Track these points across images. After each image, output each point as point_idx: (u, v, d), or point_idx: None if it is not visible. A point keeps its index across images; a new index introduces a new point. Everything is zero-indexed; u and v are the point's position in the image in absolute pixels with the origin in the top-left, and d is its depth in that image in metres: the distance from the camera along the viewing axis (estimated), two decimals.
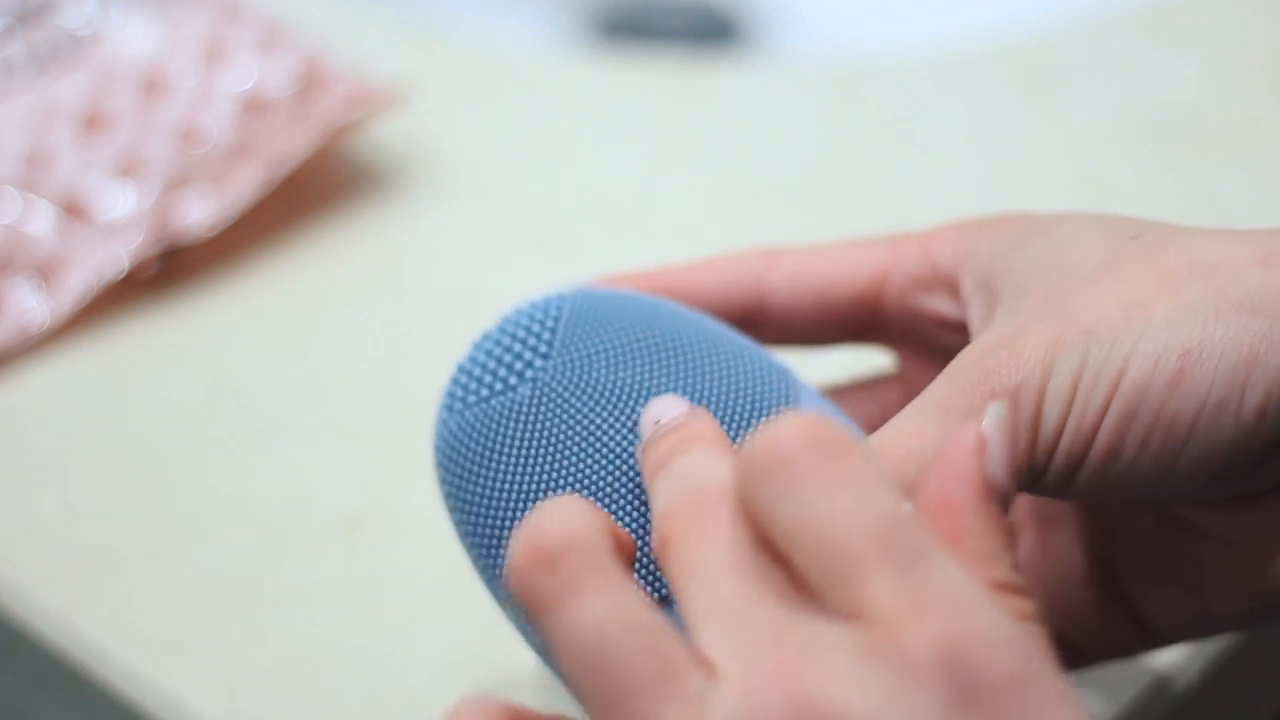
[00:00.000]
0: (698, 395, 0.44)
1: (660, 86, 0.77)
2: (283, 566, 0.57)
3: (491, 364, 0.45)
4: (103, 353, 0.65)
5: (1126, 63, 0.78)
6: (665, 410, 0.43)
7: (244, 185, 0.68)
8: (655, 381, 0.44)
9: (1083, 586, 0.46)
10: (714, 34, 0.93)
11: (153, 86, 0.70)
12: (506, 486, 0.44)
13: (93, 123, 0.69)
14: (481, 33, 0.83)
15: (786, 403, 0.45)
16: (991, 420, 0.38)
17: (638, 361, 0.45)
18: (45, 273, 0.66)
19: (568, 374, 0.44)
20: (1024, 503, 0.47)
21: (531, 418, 0.44)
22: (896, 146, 0.75)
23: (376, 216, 0.71)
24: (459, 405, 0.45)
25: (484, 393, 0.45)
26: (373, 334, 0.66)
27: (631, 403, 0.44)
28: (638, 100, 0.77)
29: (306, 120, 0.69)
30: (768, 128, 0.76)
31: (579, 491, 0.43)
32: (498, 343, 0.45)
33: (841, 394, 0.50)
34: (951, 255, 0.46)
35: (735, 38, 0.93)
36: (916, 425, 0.41)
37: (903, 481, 0.41)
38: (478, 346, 0.46)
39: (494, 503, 0.44)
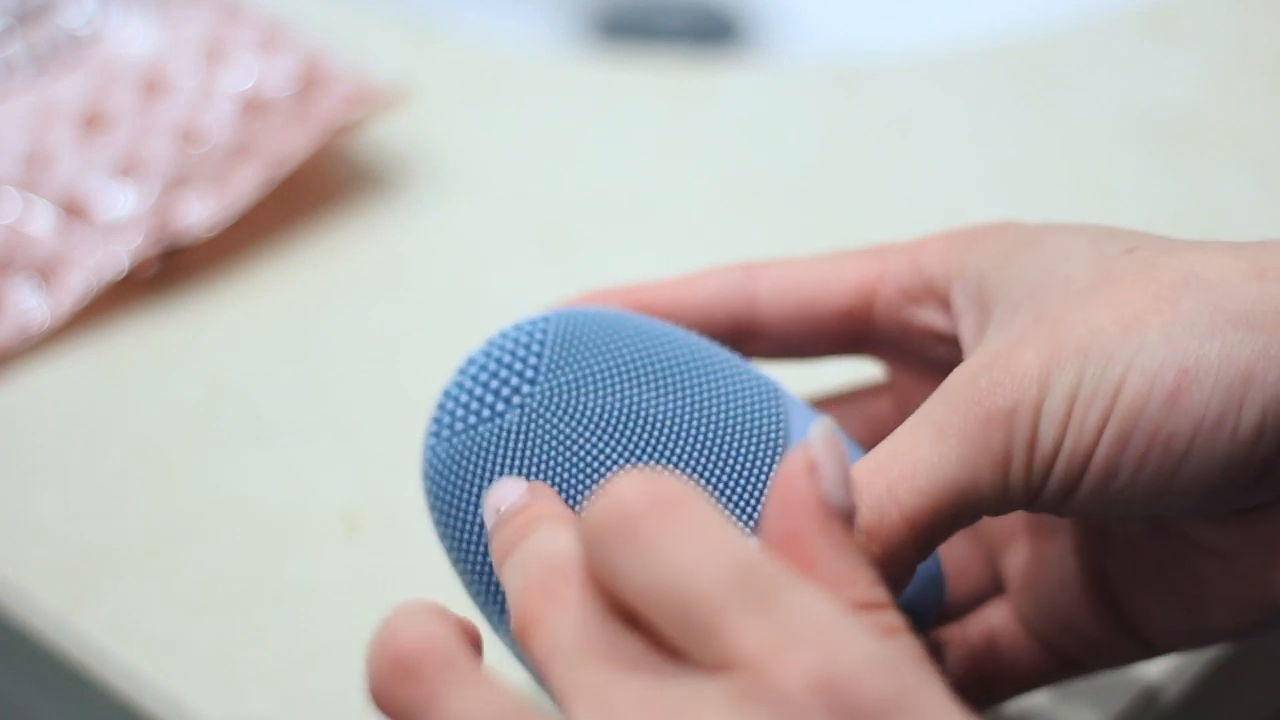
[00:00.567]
0: (686, 415, 0.44)
1: (660, 86, 0.77)
2: (282, 566, 0.57)
3: (478, 390, 0.45)
4: (103, 353, 0.65)
5: (1126, 63, 0.78)
6: (504, 496, 0.42)
7: (244, 185, 0.68)
8: (644, 404, 0.44)
9: (1078, 597, 0.46)
10: (714, 34, 0.93)
11: (153, 86, 0.70)
12: None
13: (93, 123, 0.69)
14: (481, 33, 0.83)
15: (777, 419, 0.44)
16: (817, 438, 0.37)
17: (626, 384, 0.44)
18: (45, 273, 0.66)
19: (555, 399, 0.44)
20: (1019, 512, 0.47)
21: (520, 444, 0.44)
22: (896, 146, 0.75)
23: (376, 216, 0.71)
24: (446, 432, 0.45)
25: (471, 420, 0.44)
26: (372, 334, 0.66)
27: (620, 427, 0.44)
28: (638, 100, 0.77)
29: (306, 120, 0.69)
30: (768, 128, 0.76)
31: None
32: (484, 368, 0.45)
33: (831, 406, 0.50)
34: (942, 268, 0.45)
35: (735, 38, 0.93)
36: (912, 445, 0.41)
37: (898, 503, 0.40)
38: (463, 372, 0.45)
39: (484, 531, 0.44)
